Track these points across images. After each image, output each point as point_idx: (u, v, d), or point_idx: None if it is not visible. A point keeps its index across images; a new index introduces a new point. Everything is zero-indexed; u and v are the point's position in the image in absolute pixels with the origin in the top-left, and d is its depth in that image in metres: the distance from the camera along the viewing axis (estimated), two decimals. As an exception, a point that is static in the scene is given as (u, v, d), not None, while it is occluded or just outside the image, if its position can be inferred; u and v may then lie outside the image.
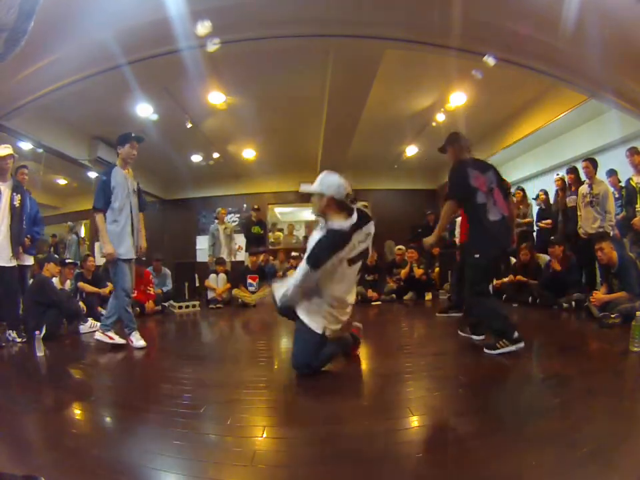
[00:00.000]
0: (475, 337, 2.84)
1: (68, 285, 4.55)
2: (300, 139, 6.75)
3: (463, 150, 2.83)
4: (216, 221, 6.73)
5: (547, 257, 4.75)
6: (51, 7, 2.71)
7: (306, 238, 9.63)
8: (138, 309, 5.00)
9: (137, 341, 2.94)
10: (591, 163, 4.32)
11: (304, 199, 9.54)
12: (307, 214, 11.79)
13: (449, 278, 5.40)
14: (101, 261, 7.67)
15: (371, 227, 2.16)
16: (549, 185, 5.71)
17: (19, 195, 3.40)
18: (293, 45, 3.88)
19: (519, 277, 4.84)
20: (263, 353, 3.02)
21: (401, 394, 1.89)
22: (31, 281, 3.84)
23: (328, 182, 2.06)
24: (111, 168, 3.04)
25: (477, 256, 2.58)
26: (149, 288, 5.29)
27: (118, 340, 2.96)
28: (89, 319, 3.89)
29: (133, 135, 3.06)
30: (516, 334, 2.40)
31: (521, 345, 2.40)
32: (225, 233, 6.65)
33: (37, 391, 2.12)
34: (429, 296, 5.65)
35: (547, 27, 3.03)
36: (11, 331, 3.32)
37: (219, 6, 3.01)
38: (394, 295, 5.65)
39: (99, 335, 3.00)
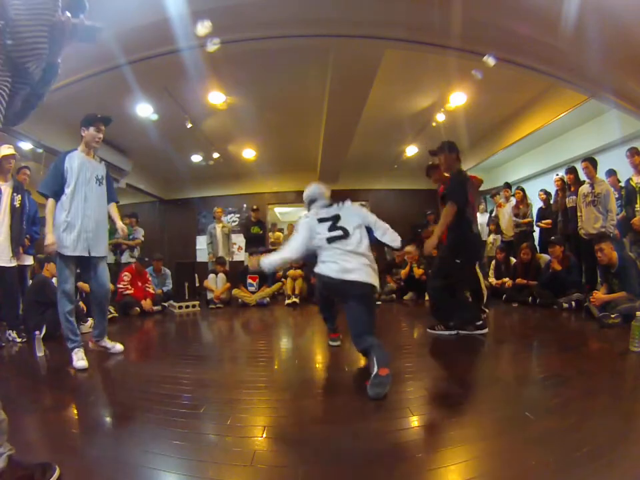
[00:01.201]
0: (445, 333, 3.00)
1: None
2: (300, 138, 6.74)
3: (457, 161, 3.12)
4: (214, 220, 6.77)
5: (547, 257, 4.75)
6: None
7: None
8: (138, 308, 5.01)
9: (78, 360, 2.46)
10: (591, 162, 4.32)
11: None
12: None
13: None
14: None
15: (333, 210, 2.45)
16: (549, 184, 5.71)
17: (19, 195, 3.40)
18: (293, 45, 3.87)
19: (519, 280, 4.84)
20: (263, 353, 3.01)
21: (401, 394, 1.89)
22: (30, 281, 3.84)
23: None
24: (68, 151, 2.67)
25: (458, 261, 2.97)
26: (147, 285, 5.29)
27: (76, 363, 2.52)
28: (89, 318, 3.88)
29: (99, 116, 2.72)
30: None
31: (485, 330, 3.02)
32: (223, 232, 6.69)
33: (37, 390, 2.12)
34: (428, 296, 5.64)
35: (547, 27, 3.03)
36: (11, 331, 3.32)
37: (219, 6, 3.02)
38: (394, 295, 5.65)
39: (91, 346, 2.92)
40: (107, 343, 2.89)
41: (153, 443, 1.42)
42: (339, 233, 2.30)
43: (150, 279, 5.49)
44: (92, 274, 2.75)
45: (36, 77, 1.06)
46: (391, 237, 2.42)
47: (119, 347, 2.90)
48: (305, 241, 2.36)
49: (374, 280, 2.20)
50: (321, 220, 2.40)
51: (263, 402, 1.83)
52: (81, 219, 2.57)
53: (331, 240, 2.29)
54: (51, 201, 2.56)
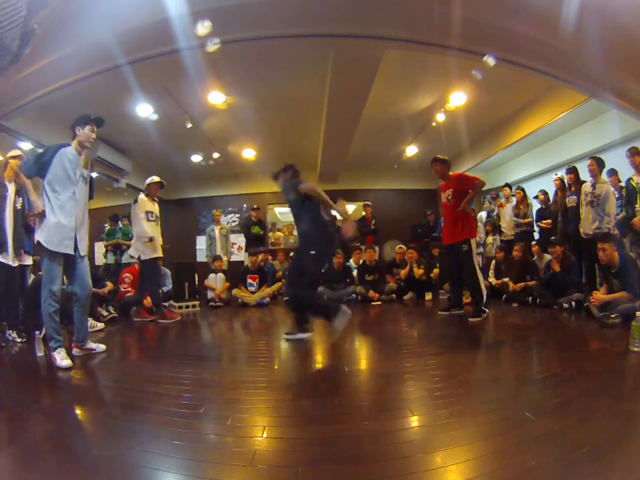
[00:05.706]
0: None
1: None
2: (300, 138, 6.74)
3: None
4: (213, 222, 6.83)
5: (547, 257, 4.75)
6: (51, 7, 2.72)
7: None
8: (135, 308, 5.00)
9: (62, 360, 2.42)
10: (596, 161, 4.20)
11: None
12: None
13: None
14: (99, 260, 7.67)
15: None
16: (549, 185, 5.71)
17: (20, 198, 3.46)
18: (293, 45, 3.88)
19: (519, 285, 4.84)
20: (263, 353, 3.02)
21: (401, 394, 1.89)
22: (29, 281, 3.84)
23: None
24: (60, 145, 2.65)
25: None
26: None
27: (60, 362, 2.42)
28: (89, 319, 3.87)
29: (92, 116, 2.73)
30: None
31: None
32: (221, 234, 6.78)
33: (37, 390, 2.12)
34: (429, 296, 5.64)
35: (547, 27, 3.03)
36: (10, 331, 3.32)
37: (219, 6, 3.02)
38: (394, 295, 5.64)
39: (75, 352, 2.74)
40: (91, 344, 2.82)
41: (153, 443, 1.42)
42: None
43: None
44: (76, 273, 2.71)
45: (15, 45, 1.47)
46: None
47: (102, 346, 2.87)
48: None
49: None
50: None
51: (263, 402, 1.83)
52: (71, 217, 2.62)
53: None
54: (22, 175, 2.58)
